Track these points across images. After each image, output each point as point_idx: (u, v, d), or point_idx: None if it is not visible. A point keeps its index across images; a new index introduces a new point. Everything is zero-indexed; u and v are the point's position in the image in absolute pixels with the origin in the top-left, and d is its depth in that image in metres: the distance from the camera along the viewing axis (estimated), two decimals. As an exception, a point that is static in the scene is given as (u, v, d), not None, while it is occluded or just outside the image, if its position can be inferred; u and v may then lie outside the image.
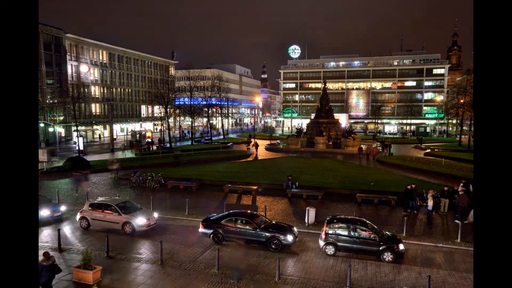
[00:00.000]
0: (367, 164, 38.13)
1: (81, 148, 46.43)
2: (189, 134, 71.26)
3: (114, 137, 56.88)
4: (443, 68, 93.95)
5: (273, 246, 15.15)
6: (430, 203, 18.97)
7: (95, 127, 70.09)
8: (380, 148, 50.69)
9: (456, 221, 18.08)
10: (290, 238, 15.13)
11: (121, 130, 75.49)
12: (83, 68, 66.10)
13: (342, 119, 77.81)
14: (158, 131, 75.59)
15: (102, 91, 72.26)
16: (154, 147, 52.82)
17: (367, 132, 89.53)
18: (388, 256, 14.18)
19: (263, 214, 19.78)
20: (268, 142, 60.41)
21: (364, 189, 24.92)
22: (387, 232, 15.60)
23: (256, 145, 46.43)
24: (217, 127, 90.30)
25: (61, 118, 62.12)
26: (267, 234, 15.32)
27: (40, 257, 9.86)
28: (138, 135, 60.73)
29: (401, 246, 14.35)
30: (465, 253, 15.02)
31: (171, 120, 78.80)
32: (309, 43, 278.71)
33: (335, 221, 15.38)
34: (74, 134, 55.27)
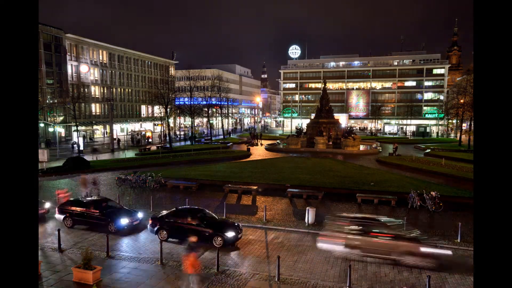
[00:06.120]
0: (367, 164, 38.11)
1: (81, 148, 46.51)
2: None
3: (115, 136, 56.99)
4: (443, 68, 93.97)
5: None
6: None
7: (95, 127, 70.10)
8: (381, 148, 50.81)
9: None
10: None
11: (121, 130, 75.53)
12: (83, 68, 66.11)
13: (342, 119, 77.86)
14: (159, 131, 75.59)
15: (102, 91, 72.26)
16: (154, 147, 52.88)
17: (367, 133, 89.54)
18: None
19: (263, 214, 19.80)
20: (269, 142, 60.55)
21: (364, 189, 24.93)
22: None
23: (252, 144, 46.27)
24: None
25: (61, 118, 62.10)
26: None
27: None
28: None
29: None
30: (465, 253, 15.01)
31: (171, 120, 78.80)
32: (309, 43, 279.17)
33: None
34: (74, 134, 55.26)
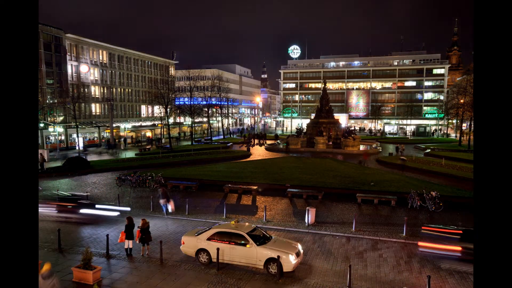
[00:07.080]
0: (367, 164, 38.10)
1: (81, 148, 46.53)
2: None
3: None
4: (443, 68, 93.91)
5: None
6: None
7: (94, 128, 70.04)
8: (380, 148, 50.79)
9: None
10: None
11: (121, 130, 75.49)
12: (83, 68, 66.04)
13: (342, 119, 77.80)
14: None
15: (102, 91, 72.22)
16: (154, 147, 52.87)
17: (367, 133, 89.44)
18: None
19: (263, 214, 19.78)
20: (269, 142, 60.57)
21: (364, 189, 24.92)
22: None
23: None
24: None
25: (61, 118, 62.07)
26: None
27: None
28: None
29: None
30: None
31: (171, 120, 78.68)
32: (309, 43, 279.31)
33: None
34: (73, 134, 55.23)
